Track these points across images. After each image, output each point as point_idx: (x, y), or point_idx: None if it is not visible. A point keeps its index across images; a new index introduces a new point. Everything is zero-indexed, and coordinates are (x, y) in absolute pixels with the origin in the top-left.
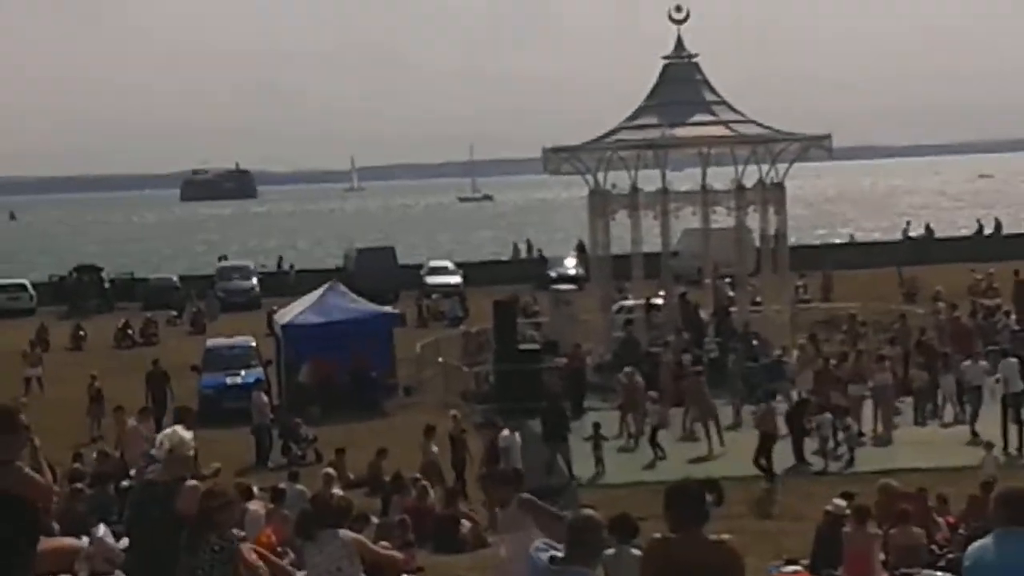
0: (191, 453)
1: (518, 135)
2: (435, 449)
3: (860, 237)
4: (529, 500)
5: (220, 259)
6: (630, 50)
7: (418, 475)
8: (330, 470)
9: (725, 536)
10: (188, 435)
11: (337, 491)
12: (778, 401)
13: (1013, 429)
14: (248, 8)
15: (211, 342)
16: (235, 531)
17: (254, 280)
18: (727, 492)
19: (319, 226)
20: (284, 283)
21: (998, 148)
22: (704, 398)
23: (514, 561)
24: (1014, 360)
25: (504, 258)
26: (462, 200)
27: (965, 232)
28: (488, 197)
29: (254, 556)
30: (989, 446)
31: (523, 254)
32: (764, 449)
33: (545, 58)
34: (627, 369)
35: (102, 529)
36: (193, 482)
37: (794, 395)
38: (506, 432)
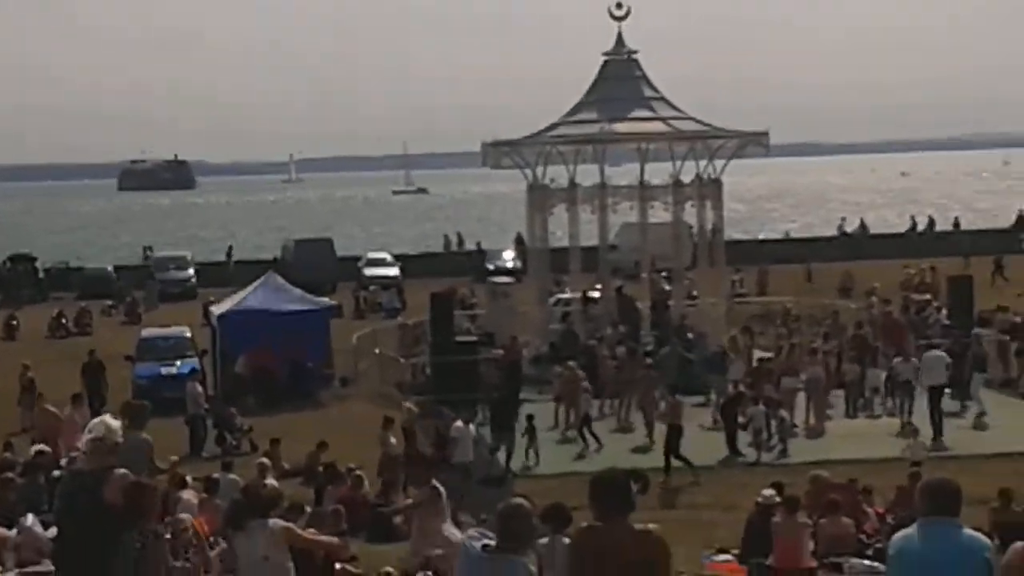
0: (118, 441)
1: (456, 129)
2: (393, 441)
3: (795, 233)
4: (438, 492)
5: (145, 250)
6: (570, 46)
7: (352, 465)
8: (264, 460)
9: (651, 525)
10: (115, 424)
11: (271, 481)
12: (713, 394)
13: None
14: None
15: (146, 332)
16: (183, 516)
17: (191, 270)
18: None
19: (256, 217)
20: (221, 274)
21: (935, 146)
22: (650, 392)
23: (419, 539)
24: (939, 353)
25: (441, 250)
26: (396, 193)
27: (899, 229)
28: (423, 190)
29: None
30: (915, 432)
31: (454, 246)
32: (672, 441)
33: (486, 53)
34: (569, 363)
35: (30, 519)
36: (121, 471)
37: (728, 388)
38: (459, 423)
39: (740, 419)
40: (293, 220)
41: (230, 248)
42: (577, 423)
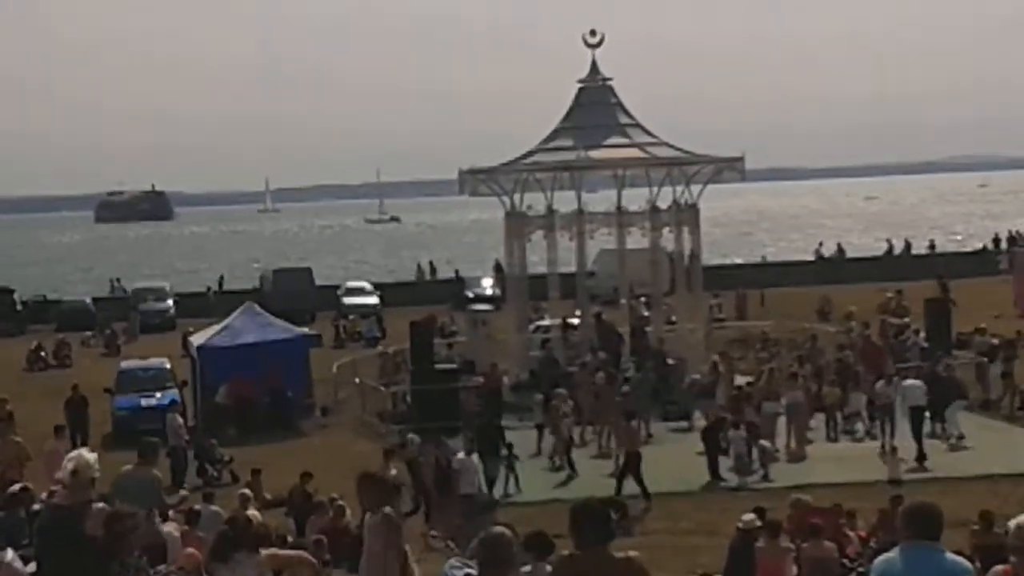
0: (95, 476)
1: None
2: (394, 472)
3: (772, 257)
4: (389, 519)
5: (112, 282)
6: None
7: (335, 495)
8: (246, 491)
9: (632, 553)
10: (91, 457)
11: (253, 512)
12: (696, 419)
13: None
14: (165, 23)
15: (125, 364)
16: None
17: (170, 301)
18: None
19: (233, 247)
20: (200, 305)
21: (912, 170)
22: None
23: (367, 565)
24: (916, 382)
25: (420, 279)
26: (369, 222)
27: (875, 252)
28: (395, 219)
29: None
30: (893, 450)
31: (427, 275)
32: (629, 467)
33: (463, 78)
34: (559, 390)
35: (10, 554)
36: (100, 504)
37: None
38: (460, 454)
39: (722, 444)
40: (269, 250)
41: (221, 278)
42: (561, 449)
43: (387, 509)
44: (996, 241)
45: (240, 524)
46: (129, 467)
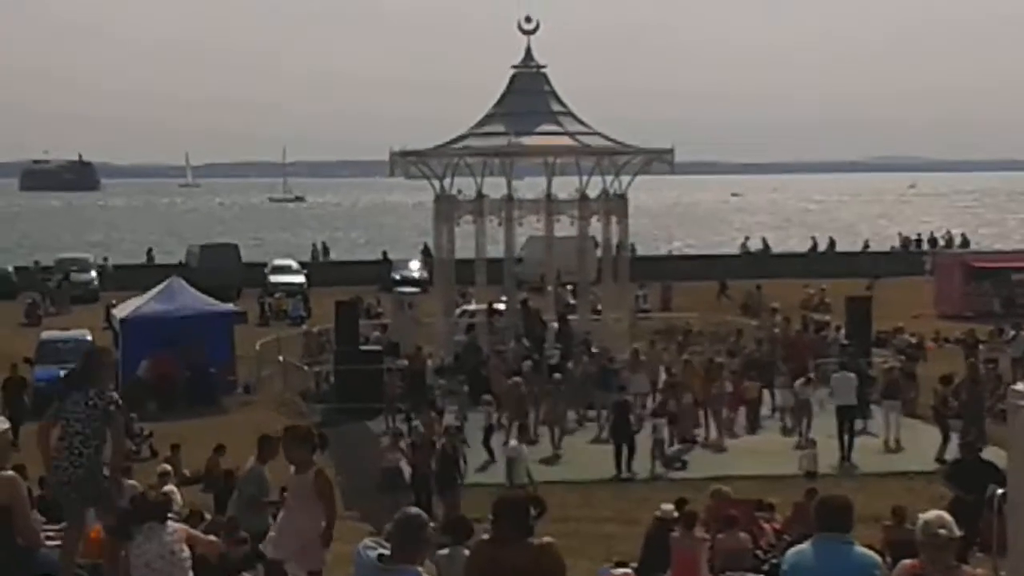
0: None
1: (362, 138)
2: (398, 456)
3: (697, 251)
4: (323, 475)
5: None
6: (479, 57)
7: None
8: (165, 466)
9: (547, 539)
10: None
11: (171, 487)
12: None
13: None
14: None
15: (45, 334)
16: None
17: (93, 273)
18: (565, 496)
19: (155, 221)
20: (125, 276)
21: (840, 168)
22: (558, 405)
23: (283, 531)
24: (850, 374)
25: (349, 259)
26: (273, 200)
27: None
28: (300, 198)
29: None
30: (812, 443)
31: (320, 256)
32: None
33: (392, 62)
34: (516, 378)
35: None
36: (8, 473)
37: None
38: (514, 442)
39: (632, 429)
40: (187, 225)
41: (150, 250)
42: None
43: (319, 465)
44: (917, 242)
45: (141, 499)
46: None
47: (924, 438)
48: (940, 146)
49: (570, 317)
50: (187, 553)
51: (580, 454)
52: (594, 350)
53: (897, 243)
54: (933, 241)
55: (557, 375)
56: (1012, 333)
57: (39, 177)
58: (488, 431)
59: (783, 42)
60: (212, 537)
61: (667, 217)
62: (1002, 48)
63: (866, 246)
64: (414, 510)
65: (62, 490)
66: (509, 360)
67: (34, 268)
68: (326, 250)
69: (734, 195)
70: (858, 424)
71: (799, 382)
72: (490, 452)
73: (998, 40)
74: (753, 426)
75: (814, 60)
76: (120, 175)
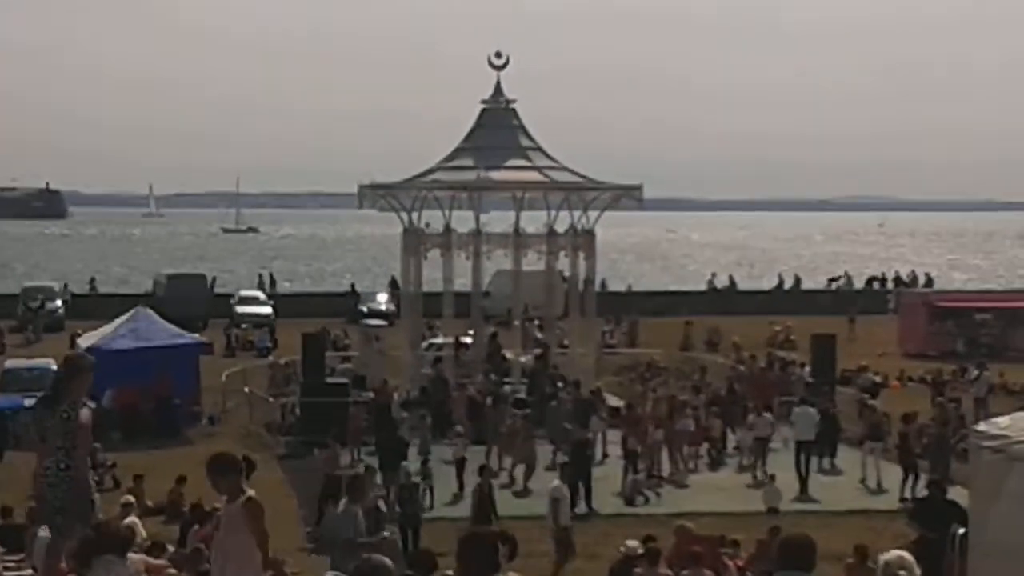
0: None
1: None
2: (377, 496)
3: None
4: (253, 503)
5: None
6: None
7: (218, 504)
8: (128, 496)
9: (512, 574)
10: None
11: (134, 519)
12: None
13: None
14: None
15: (9, 363)
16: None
17: (59, 302)
18: (531, 532)
19: (120, 251)
20: (90, 306)
21: (809, 207)
22: (529, 443)
23: (221, 564)
24: (810, 409)
25: (315, 291)
26: (226, 231)
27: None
28: (253, 229)
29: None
30: (772, 478)
31: (267, 287)
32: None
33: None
34: (515, 411)
35: None
36: None
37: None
38: (556, 482)
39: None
40: (151, 255)
41: (92, 280)
42: (526, 474)
43: (250, 492)
44: (883, 280)
45: (105, 528)
46: None
47: (886, 476)
48: (910, 186)
49: (536, 351)
50: None
51: (545, 490)
52: (559, 385)
53: (862, 282)
54: (899, 281)
55: (525, 410)
56: (976, 373)
57: (6, 205)
58: (460, 464)
59: (756, 80)
60: (171, 569)
61: (627, 253)
62: (976, 89)
63: (797, 282)
64: (377, 558)
65: (54, 519)
66: (475, 394)
67: (25, 288)
68: (272, 281)
69: (669, 231)
70: (824, 463)
71: (751, 417)
72: (461, 486)
73: (973, 81)
74: (716, 463)
75: (789, 99)
76: (88, 203)
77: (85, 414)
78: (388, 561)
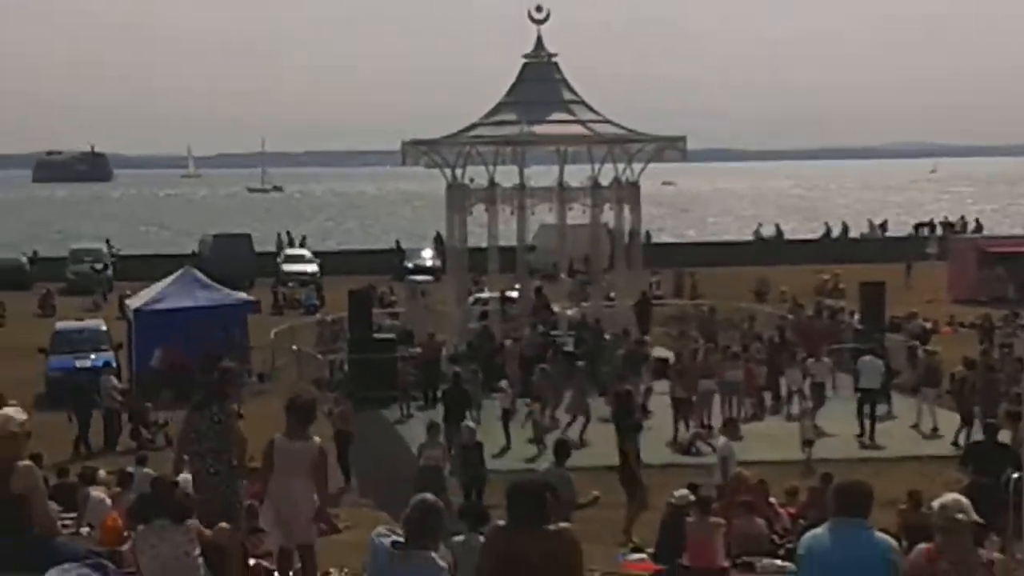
0: (17, 430)
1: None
2: (439, 453)
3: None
4: (324, 454)
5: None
6: (490, 46)
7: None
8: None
9: (564, 524)
10: (14, 412)
11: (185, 476)
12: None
13: (868, 422)
14: None
15: (60, 324)
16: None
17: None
18: (581, 482)
19: (163, 212)
20: (138, 267)
21: (863, 154)
22: (582, 394)
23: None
24: (877, 360)
25: (361, 247)
26: (251, 191)
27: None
28: (278, 188)
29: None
30: (807, 414)
31: (285, 245)
32: (342, 448)
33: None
34: (541, 366)
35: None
36: (26, 462)
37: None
38: (723, 439)
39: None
40: (189, 216)
41: (107, 241)
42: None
43: (316, 439)
44: (931, 226)
45: (163, 490)
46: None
47: (939, 422)
48: (954, 134)
49: (583, 304)
50: (198, 551)
51: (594, 440)
52: (607, 336)
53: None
54: (948, 225)
55: (580, 363)
56: None
57: (52, 168)
58: (506, 416)
59: (797, 31)
60: (223, 524)
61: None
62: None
63: (845, 231)
64: (430, 497)
65: (204, 507)
66: (525, 347)
67: (72, 250)
68: (291, 241)
69: (666, 183)
70: (881, 409)
71: (810, 361)
72: (507, 438)
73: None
74: (770, 410)
75: (829, 49)
76: (132, 165)
77: (234, 421)
78: (438, 500)
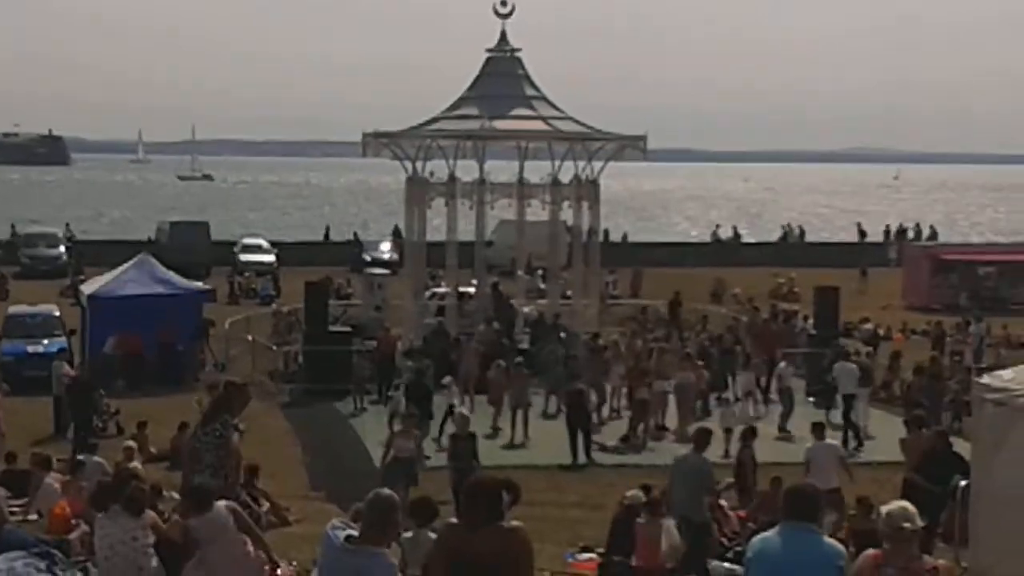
0: None
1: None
2: (411, 445)
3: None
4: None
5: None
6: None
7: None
8: (131, 443)
9: (515, 523)
10: None
11: (137, 464)
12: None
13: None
14: None
15: (12, 309)
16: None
17: (61, 248)
18: (532, 481)
19: (117, 196)
20: (93, 252)
21: (822, 158)
22: (524, 390)
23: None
24: (850, 365)
25: (318, 239)
26: (181, 179)
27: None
28: (208, 177)
29: None
30: (733, 401)
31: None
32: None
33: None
34: (498, 362)
35: None
36: None
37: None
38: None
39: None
40: (146, 201)
41: (66, 225)
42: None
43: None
44: (885, 233)
45: (123, 482)
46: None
47: (888, 427)
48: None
49: (539, 302)
50: (151, 540)
51: (546, 439)
52: (562, 335)
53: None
54: (902, 232)
55: (518, 359)
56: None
57: (9, 151)
58: (448, 412)
59: (762, 33)
60: (176, 518)
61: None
62: (991, 42)
63: (801, 234)
64: (385, 491)
65: None
66: (476, 343)
67: (26, 234)
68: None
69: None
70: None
71: (782, 366)
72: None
73: (988, 34)
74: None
75: (796, 52)
76: (90, 150)
77: (236, 438)
78: (394, 495)
